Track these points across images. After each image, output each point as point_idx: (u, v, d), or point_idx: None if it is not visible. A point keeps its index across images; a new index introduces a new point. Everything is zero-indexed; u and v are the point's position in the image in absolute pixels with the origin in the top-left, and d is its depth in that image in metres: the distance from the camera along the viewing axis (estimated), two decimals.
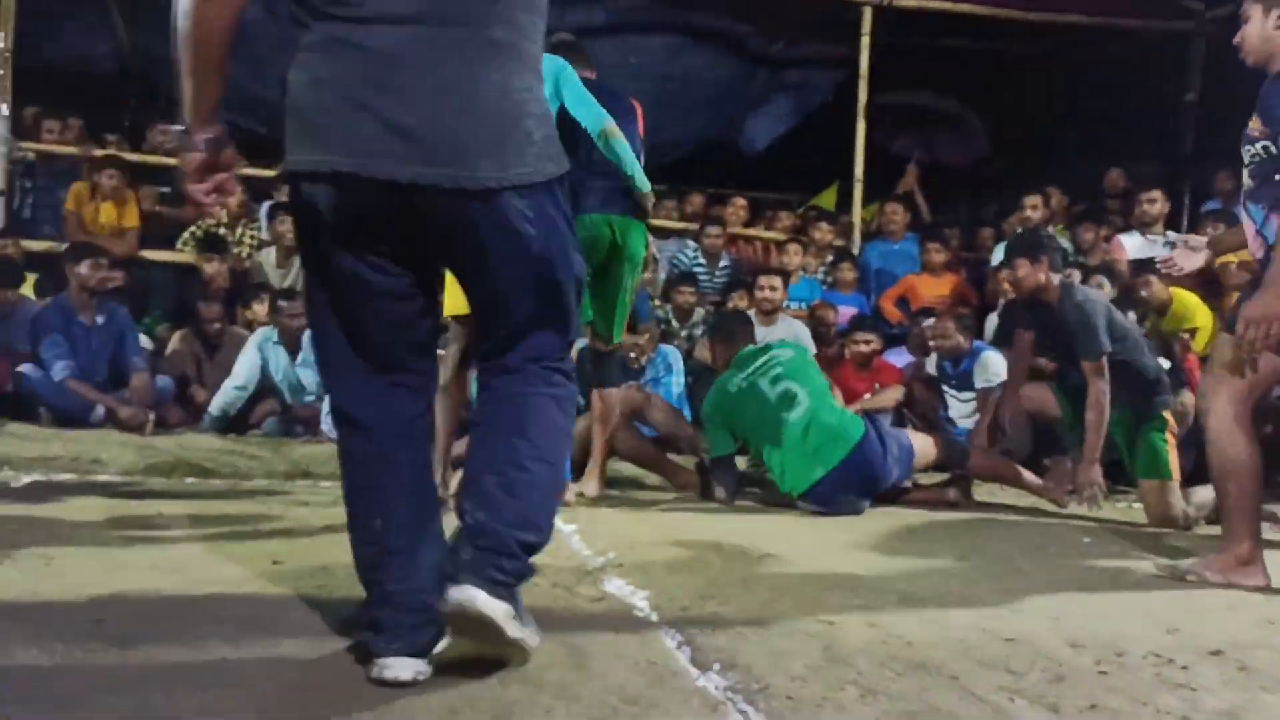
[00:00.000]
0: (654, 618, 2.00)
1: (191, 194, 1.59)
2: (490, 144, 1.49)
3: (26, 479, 3.68)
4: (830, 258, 6.93)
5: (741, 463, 4.14)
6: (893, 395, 5.53)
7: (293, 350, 5.29)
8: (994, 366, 5.17)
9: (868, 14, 7.24)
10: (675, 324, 6.05)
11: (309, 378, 5.27)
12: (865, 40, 7.29)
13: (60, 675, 1.48)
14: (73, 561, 2.27)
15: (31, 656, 1.55)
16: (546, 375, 1.62)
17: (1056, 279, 3.87)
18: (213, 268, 5.76)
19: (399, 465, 1.62)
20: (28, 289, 5.49)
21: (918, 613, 2.13)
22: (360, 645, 1.61)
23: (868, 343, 5.56)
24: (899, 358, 5.91)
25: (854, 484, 3.69)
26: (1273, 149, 2.54)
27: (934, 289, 6.45)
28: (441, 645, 1.51)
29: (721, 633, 1.89)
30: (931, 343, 5.47)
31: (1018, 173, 7.71)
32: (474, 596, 1.43)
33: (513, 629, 1.48)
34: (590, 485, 3.76)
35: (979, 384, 5.25)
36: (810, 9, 7.42)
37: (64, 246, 5.55)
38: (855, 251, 7.08)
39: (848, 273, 6.70)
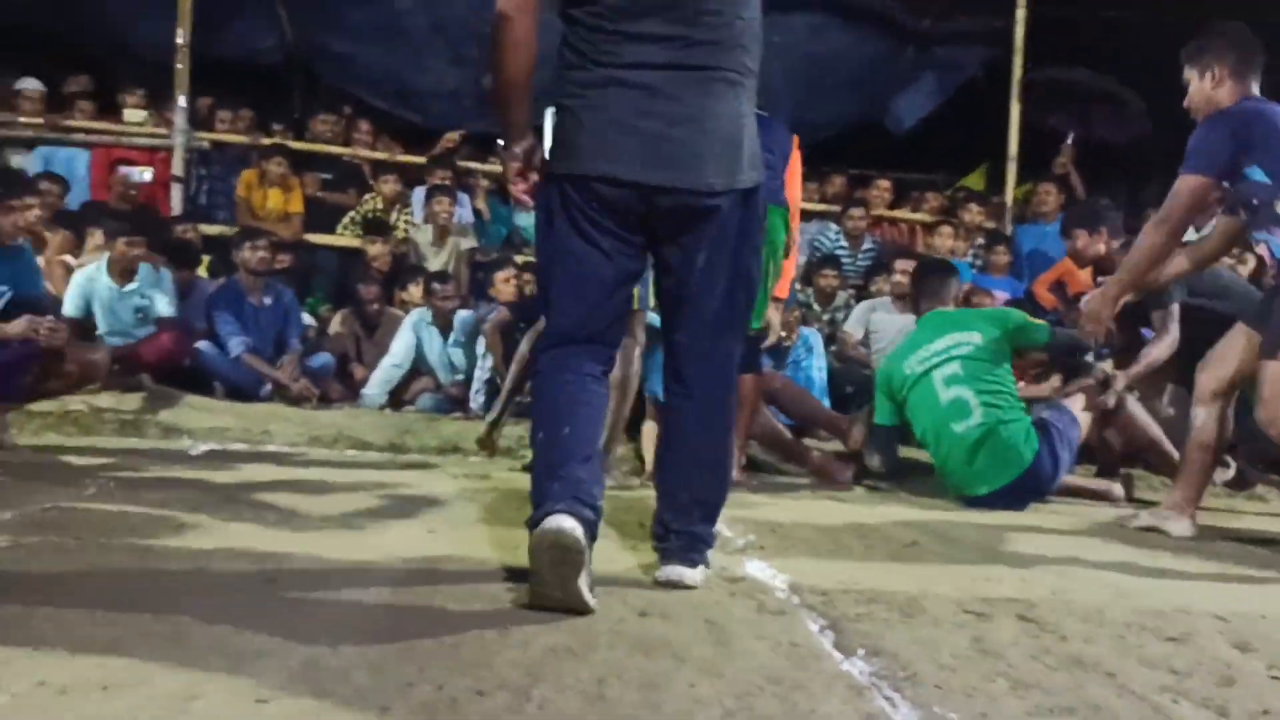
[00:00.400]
0: (795, 601, 2.00)
1: (513, 193, 2.08)
2: (719, 157, 1.94)
3: (204, 447, 3.97)
4: (980, 240, 6.68)
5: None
6: (1052, 384, 5.31)
7: (445, 331, 5.49)
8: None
9: None
10: (816, 307, 5.97)
11: (460, 357, 5.47)
12: (1020, 13, 6.99)
13: (236, 629, 1.59)
14: (246, 524, 2.43)
15: (208, 612, 1.68)
16: (713, 381, 2.06)
17: (1117, 244, 3.78)
18: (376, 249, 6.06)
19: (589, 395, 2.01)
20: (202, 270, 5.88)
21: (1072, 607, 2.05)
22: (517, 574, 1.98)
23: None
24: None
25: (1016, 500, 3.56)
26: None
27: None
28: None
29: (866, 619, 1.87)
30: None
31: (1179, 153, 7.24)
32: (681, 574, 2.02)
33: (701, 580, 2.04)
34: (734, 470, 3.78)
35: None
36: None
37: (235, 230, 5.92)
38: (1008, 233, 6.81)
39: (1001, 256, 6.43)
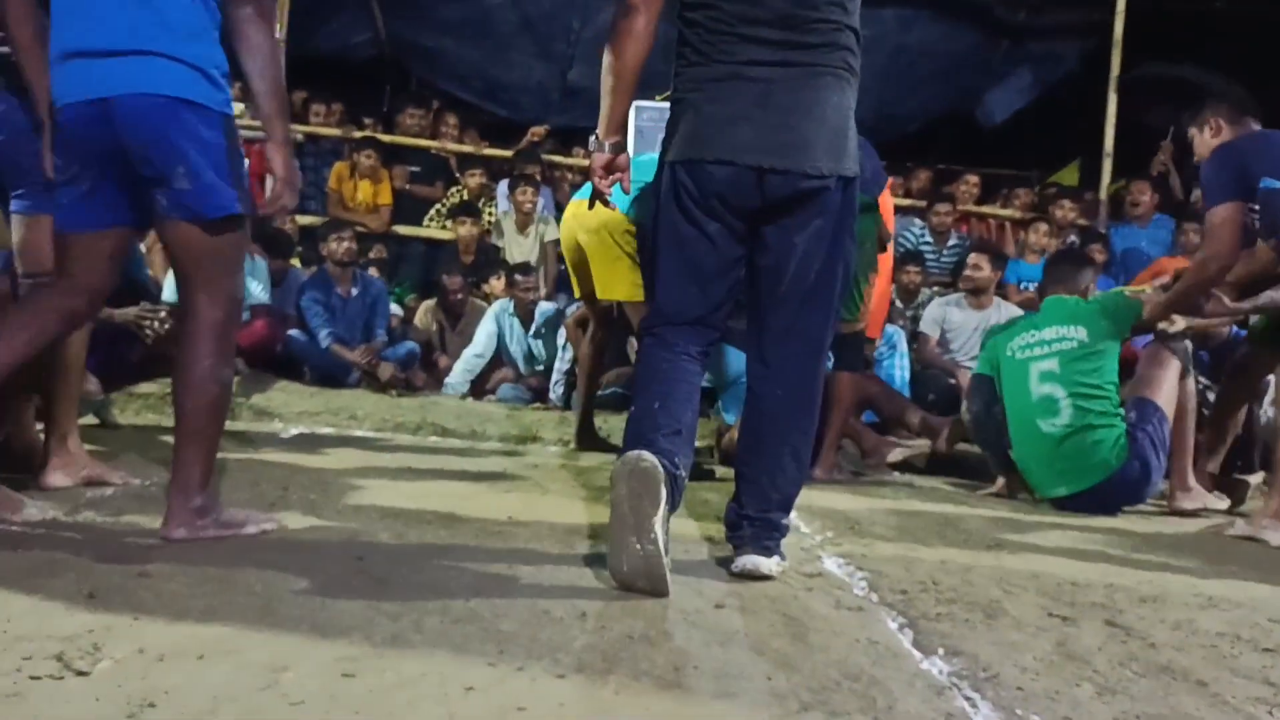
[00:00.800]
0: (874, 599, 1.98)
1: (596, 185, 2.18)
2: (827, 145, 2.04)
3: (294, 430, 4.09)
4: (1072, 238, 6.49)
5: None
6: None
7: (526, 322, 5.56)
8: None
9: None
10: (899, 304, 5.88)
11: (540, 348, 5.54)
12: (1120, 5, 6.76)
13: (324, 603, 1.64)
14: (335, 507, 2.51)
15: (303, 585, 1.74)
16: (806, 376, 2.11)
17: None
18: (465, 230, 6.15)
19: (685, 373, 2.09)
20: (298, 262, 6.05)
21: (1161, 614, 1.99)
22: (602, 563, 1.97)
23: None
24: None
25: (1100, 506, 3.47)
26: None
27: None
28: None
29: (945, 619, 1.85)
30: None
31: None
32: (757, 563, 2.05)
33: (778, 570, 2.07)
34: (820, 467, 3.74)
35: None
36: None
37: (324, 221, 6.09)
38: (1103, 231, 6.60)
39: (1098, 255, 6.22)
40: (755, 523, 2.07)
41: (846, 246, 2.11)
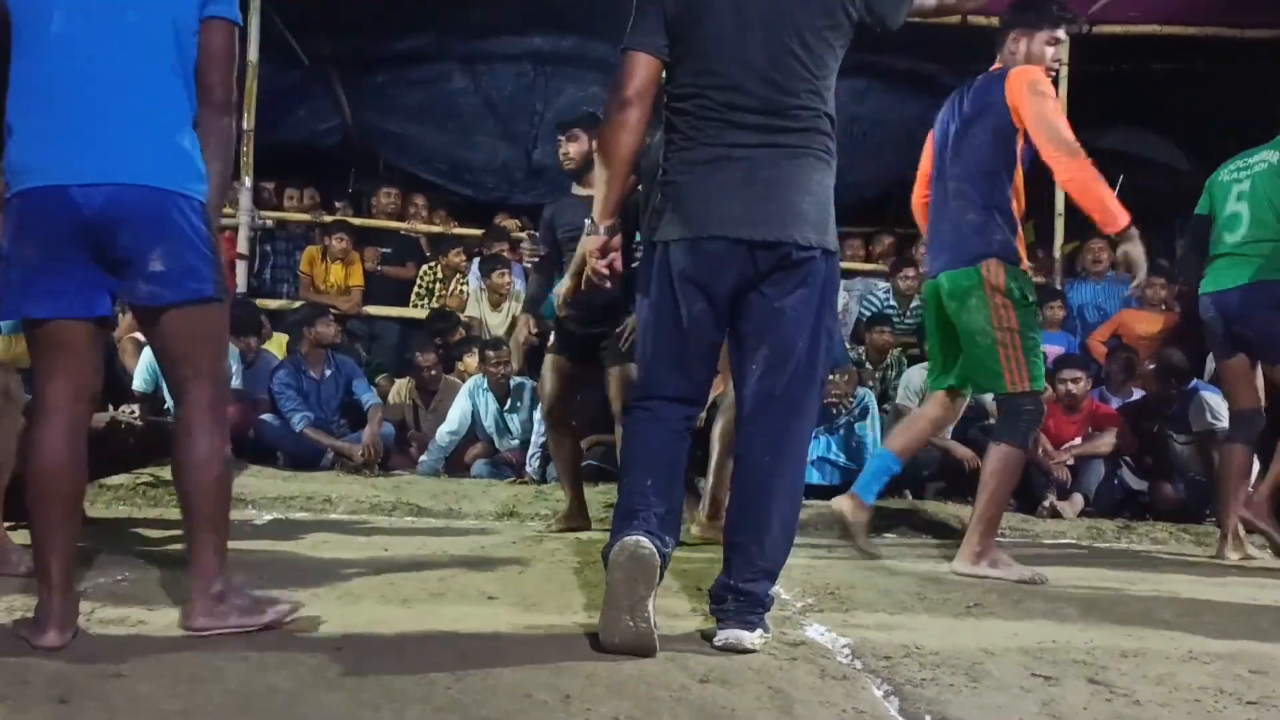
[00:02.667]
0: (858, 665, 1.98)
1: (592, 267, 2.24)
2: (813, 218, 2.13)
3: (268, 516, 4.04)
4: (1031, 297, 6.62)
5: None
6: (1108, 440, 5.22)
7: (501, 397, 5.56)
8: (1211, 407, 4.81)
9: (1065, 43, 6.96)
10: (869, 365, 5.96)
11: (515, 423, 5.54)
12: (1063, 71, 7.00)
13: (306, 698, 1.62)
14: (312, 593, 2.47)
15: (280, 679, 1.71)
16: (792, 441, 2.14)
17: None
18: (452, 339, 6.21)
19: (674, 450, 2.19)
20: (278, 348, 6.02)
21: (1143, 670, 2.00)
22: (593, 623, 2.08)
23: (1076, 381, 5.25)
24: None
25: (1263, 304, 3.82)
26: None
27: (1148, 325, 6.06)
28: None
29: (930, 684, 1.85)
30: (1156, 389, 5.10)
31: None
32: (740, 637, 2.05)
33: (759, 643, 2.06)
34: (975, 555, 3.26)
35: (1196, 426, 4.90)
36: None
37: (296, 304, 6.10)
38: (1058, 288, 6.75)
39: (1056, 311, 6.35)
40: (740, 596, 2.08)
41: (829, 319, 2.18)
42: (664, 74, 2.19)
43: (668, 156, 2.20)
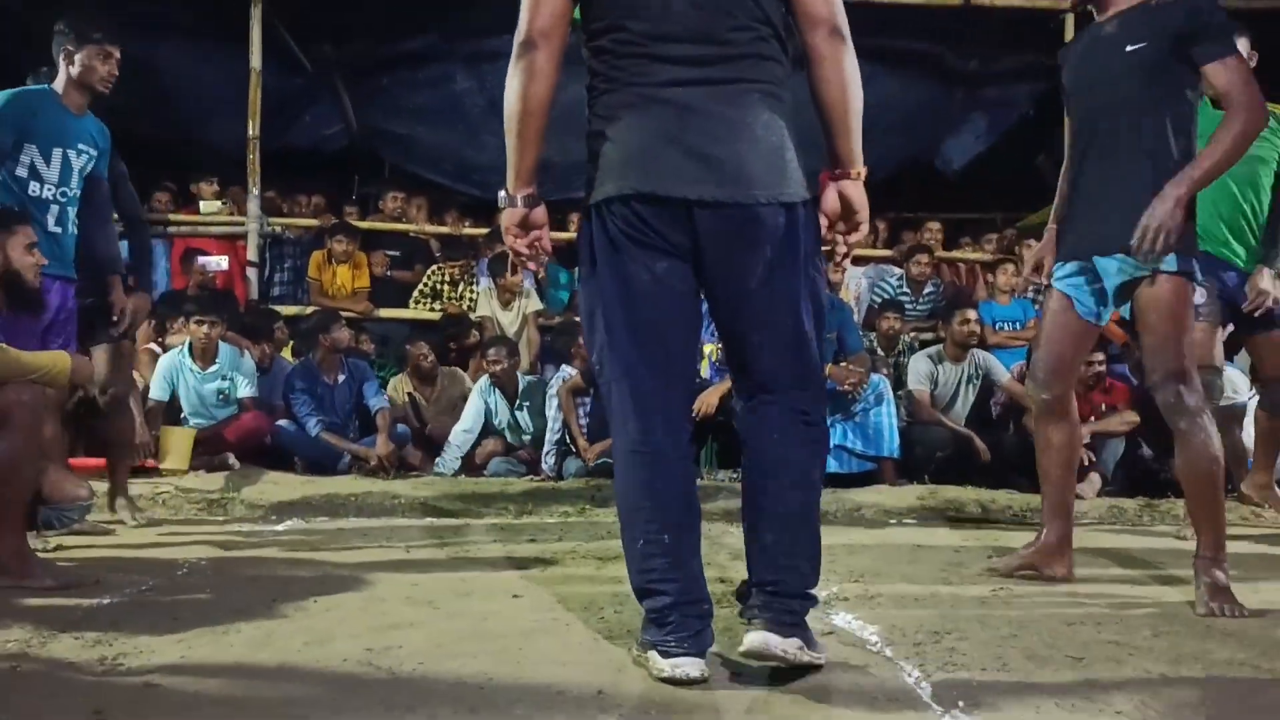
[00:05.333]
0: (888, 653, 1.97)
1: (512, 248, 1.91)
2: (763, 168, 1.79)
3: (288, 522, 4.05)
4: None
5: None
6: (1127, 418, 5.19)
7: (510, 395, 5.56)
8: (1232, 382, 4.77)
9: (1070, 21, 6.92)
10: (881, 352, 5.94)
11: (526, 419, 5.54)
12: None
13: (341, 703, 1.62)
14: (337, 598, 2.48)
15: (315, 686, 1.71)
16: (800, 418, 1.86)
17: None
18: (466, 343, 6.21)
19: (690, 495, 1.86)
20: (285, 352, 6.05)
21: (1176, 647, 1.99)
22: (640, 650, 1.83)
23: (1088, 363, 5.22)
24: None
25: None
26: None
27: None
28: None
29: (962, 669, 1.84)
30: None
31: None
32: (767, 641, 1.73)
33: (801, 656, 1.74)
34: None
35: (1216, 402, 4.86)
36: (1008, 22, 7.16)
37: (308, 310, 6.11)
38: None
39: None
40: (767, 590, 1.81)
41: (810, 278, 1.85)
42: (576, 9, 1.86)
43: (590, 104, 1.88)
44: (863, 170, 1.85)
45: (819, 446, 1.90)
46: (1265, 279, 3.52)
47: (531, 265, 1.94)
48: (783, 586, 1.81)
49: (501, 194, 1.88)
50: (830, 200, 1.86)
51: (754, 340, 1.85)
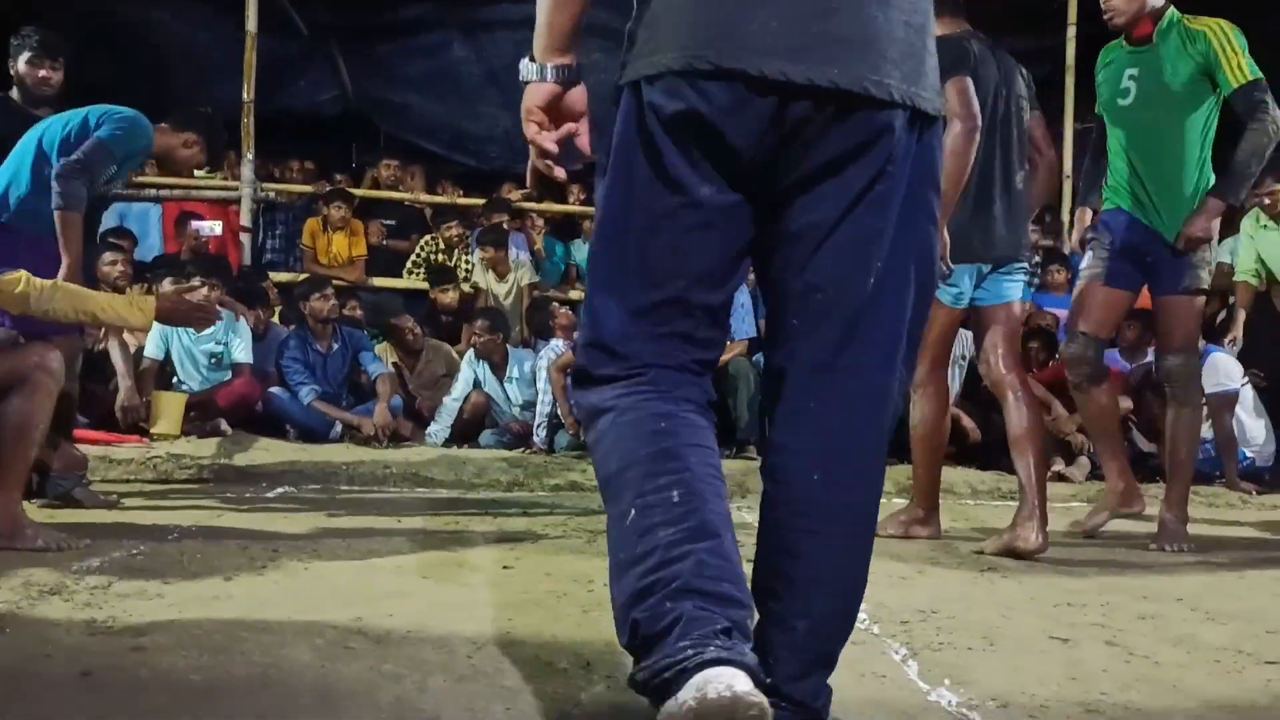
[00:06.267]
0: (875, 630, 1.98)
1: (534, 141, 1.30)
2: (898, 54, 1.20)
3: (279, 489, 4.05)
4: (1037, 259, 6.61)
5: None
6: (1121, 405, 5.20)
7: (498, 367, 5.55)
8: (1224, 369, 4.79)
9: (1074, 2, 6.88)
10: None
11: (515, 392, 5.54)
12: (1071, 30, 6.92)
13: (329, 669, 1.62)
14: (328, 565, 2.48)
15: (301, 651, 1.71)
16: (854, 437, 1.26)
17: None
18: (447, 297, 6.19)
19: (708, 447, 1.25)
20: (274, 317, 6.03)
21: (1162, 631, 2.00)
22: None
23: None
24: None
25: None
26: None
27: None
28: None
29: (948, 648, 1.85)
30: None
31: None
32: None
33: None
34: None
35: (1209, 388, 4.87)
36: (1010, 2, 7.12)
37: (302, 277, 6.08)
38: (1066, 252, 6.72)
39: (1059, 274, 6.36)
40: (784, 703, 1.22)
41: (926, 232, 1.28)
42: None
43: None
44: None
45: (879, 484, 1.31)
46: (1209, 214, 3.05)
47: (559, 171, 1.31)
48: (804, 695, 1.25)
49: (524, 63, 1.30)
50: None
51: (819, 309, 1.24)
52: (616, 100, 1.28)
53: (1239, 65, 2.96)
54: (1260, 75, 2.96)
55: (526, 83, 1.31)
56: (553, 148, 1.30)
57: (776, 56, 1.17)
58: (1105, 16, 3.11)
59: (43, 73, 3.65)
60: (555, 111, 1.30)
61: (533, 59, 1.30)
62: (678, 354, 1.27)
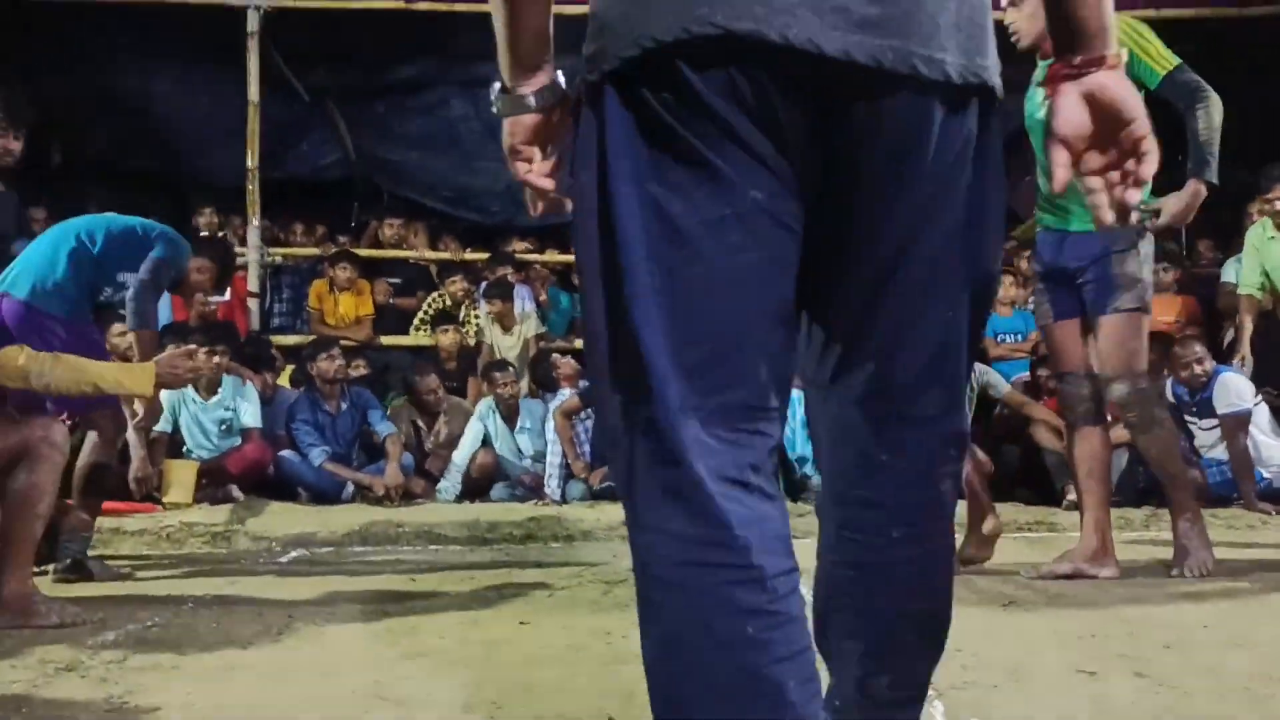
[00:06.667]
0: None
1: (526, 183, 1.08)
2: (953, 22, 0.94)
3: (293, 553, 4.04)
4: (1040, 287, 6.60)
5: None
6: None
7: (510, 419, 5.56)
8: (1236, 389, 4.77)
9: None
10: None
11: (527, 443, 5.54)
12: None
13: None
14: (343, 629, 2.46)
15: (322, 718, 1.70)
16: (940, 461, 1.03)
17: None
18: (447, 339, 6.22)
19: (791, 618, 0.89)
20: (283, 380, 6.05)
21: (1189, 660, 1.97)
22: None
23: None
24: None
25: None
26: None
27: (1163, 312, 6.03)
28: None
29: (973, 686, 1.83)
30: (1182, 373, 5.01)
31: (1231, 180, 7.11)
32: None
33: None
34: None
35: (1221, 410, 4.85)
36: (1000, 32, 7.21)
37: (308, 339, 6.11)
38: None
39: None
40: None
41: (993, 245, 1.03)
42: None
43: None
44: (1121, 54, 0.94)
45: (951, 535, 1.11)
46: (1192, 197, 2.92)
47: (554, 199, 1.07)
48: None
49: (494, 91, 1.07)
50: (1073, 112, 0.94)
51: (875, 333, 0.99)
52: (594, 94, 0.95)
53: (1159, 54, 2.90)
54: (1180, 59, 2.91)
55: (501, 117, 1.07)
56: (549, 184, 1.07)
57: (804, 23, 0.88)
58: (1011, 39, 3.01)
59: (3, 142, 3.46)
60: (542, 139, 1.07)
61: (504, 88, 1.06)
62: (735, 421, 0.91)
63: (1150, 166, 0.93)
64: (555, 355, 6.06)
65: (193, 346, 3.27)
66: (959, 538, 3.39)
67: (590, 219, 0.94)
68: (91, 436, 3.30)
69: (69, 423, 3.17)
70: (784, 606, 0.88)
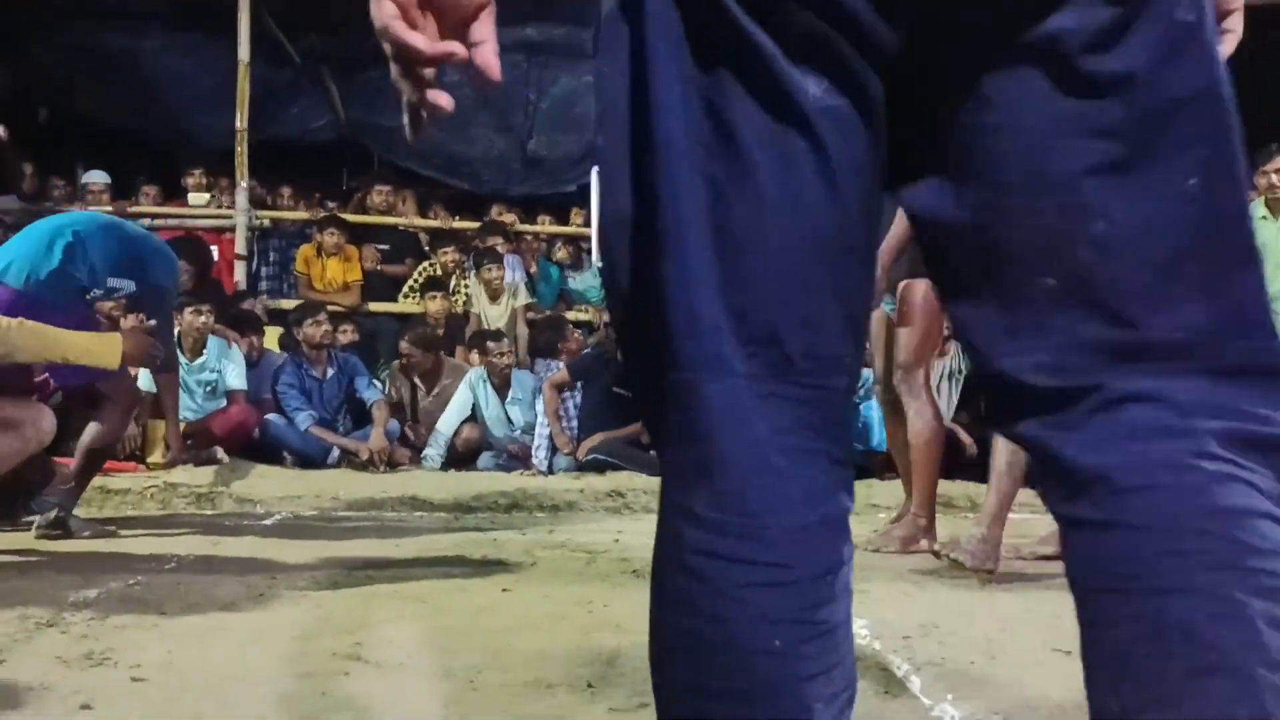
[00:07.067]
0: (877, 645, 1.98)
1: (397, 43, 0.72)
2: None
3: (278, 516, 4.04)
4: None
5: None
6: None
7: (502, 389, 5.56)
8: None
9: None
10: (867, 344, 5.95)
11: (518, 414, 5.54)
12: None
13: (328, 697, 1.62)
14: (326, 593, 2.47)
15: (301, 681, 1.71)
16: (1236, 462, 0.68)
17: None
18: (435, 305, 6.20)
19: (824, 627, 0.73)
20: (272, 343, 6.02)
21: None
22: None
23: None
24: None
25: None
26: None
27: None
28: None
29: (950, 662, 1.85)
30: None
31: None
32: None
33: None
34: None
35: None
36: None
37: (297, 304, 6.09)
38: None
39: None
40: None
41: (1234, 184, 0.71)
42: None
43: None
44: None
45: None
46: None
47: (443, 99, 0.74)
48: None
49: None
50: None
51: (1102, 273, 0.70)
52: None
53: None
54: None
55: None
56: (423, 45, 0.70)
57: None
58: None
59: None
60: (408, 16, 0.70)
61: None
62: (789, 383, 0.72)
63: None
64: (569, 327, 6.08)
65: (154, 322, 3.30)
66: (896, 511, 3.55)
67: (619, 122, 0.74)
68: (93, 427, 3.27)
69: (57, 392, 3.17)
70: (824, 615, 0.72)
